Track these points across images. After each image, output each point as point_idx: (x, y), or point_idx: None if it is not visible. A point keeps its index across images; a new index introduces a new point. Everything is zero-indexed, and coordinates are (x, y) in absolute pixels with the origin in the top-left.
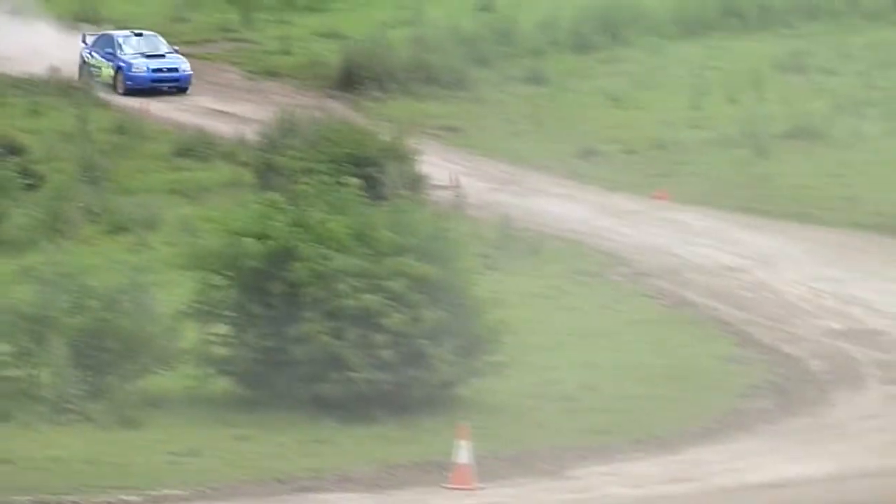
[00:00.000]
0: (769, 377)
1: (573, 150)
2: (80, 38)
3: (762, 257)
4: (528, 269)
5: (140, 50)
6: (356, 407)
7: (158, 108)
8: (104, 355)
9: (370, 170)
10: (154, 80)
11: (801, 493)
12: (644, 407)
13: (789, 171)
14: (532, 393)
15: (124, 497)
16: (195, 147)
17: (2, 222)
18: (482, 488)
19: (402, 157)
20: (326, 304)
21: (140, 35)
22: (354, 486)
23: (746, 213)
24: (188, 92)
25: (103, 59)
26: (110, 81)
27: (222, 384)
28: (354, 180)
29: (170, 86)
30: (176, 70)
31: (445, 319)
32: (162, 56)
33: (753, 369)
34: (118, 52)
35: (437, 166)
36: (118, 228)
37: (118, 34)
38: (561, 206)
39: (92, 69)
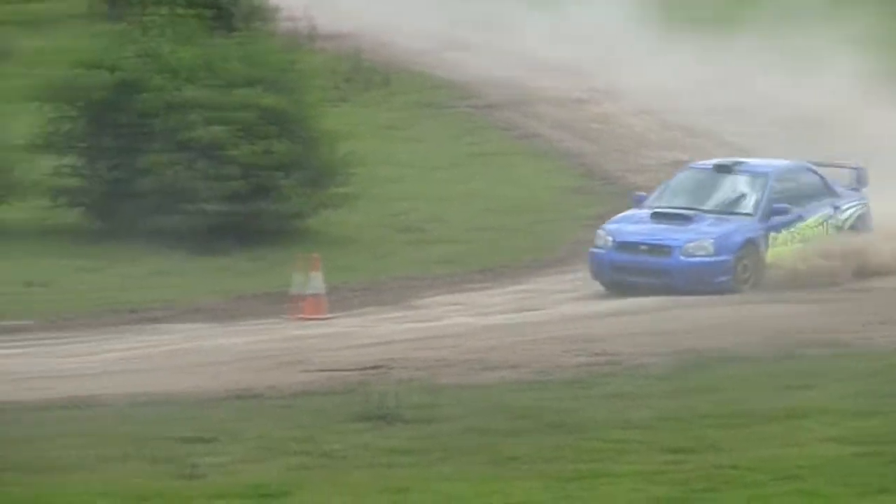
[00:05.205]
0: (615, 208)
1: None
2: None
3: (610, 89)
4: (379, 101)
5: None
6: (205, 239)
7: None
8: None
9: (221, 0)
10: (617, 268)
11: (634, 320)
12: (491, 238)
13: None
14: (381, 224)
15: None
16: None
17: None
18: (332, 318)
19: None
20: (176, 136)
21: (726, 169)
22: (204, 316)
23: None
24: None
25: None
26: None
27: (72, 215)
28: (204, 11)
29: (644, 280)
30: (665, 249)
31: (295, 151)
32: (683, 219)
33: (599, 200)
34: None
35: None
36: None
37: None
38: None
39: None
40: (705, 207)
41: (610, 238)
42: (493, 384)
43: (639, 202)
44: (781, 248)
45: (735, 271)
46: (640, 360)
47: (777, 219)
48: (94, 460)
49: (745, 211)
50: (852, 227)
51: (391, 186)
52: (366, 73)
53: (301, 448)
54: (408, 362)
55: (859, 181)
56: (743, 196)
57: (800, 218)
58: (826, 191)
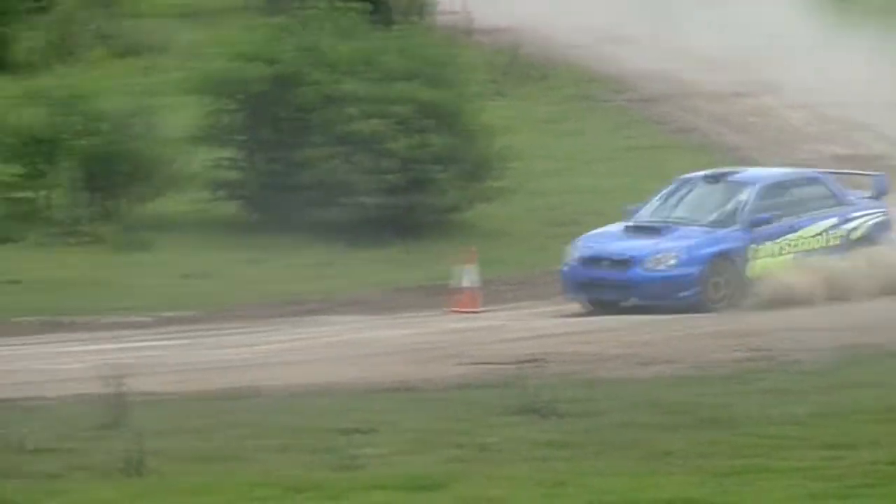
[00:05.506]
0: None
1: None
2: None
3: (768, 82)
4: (536, 95)
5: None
6: (363, 231)
7: None
8: (115, 178)
9: None
10: (583, 284)
11: (790, 315)
12: None
13: None
14: (536, 217)
15: (135, 318)
16: None
17: (10, 45)
18: (486, 311)
19: None
20: (335, 129)
21: (715, 179)
22: (362, 308)
23: None
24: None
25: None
26: None
27: (231, 208)
28: (363, 5)
29: (608, 297)
30: (627, 263)
31: (452, 145)
32: (653, 231)
33: None
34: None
35: None
36: (128, 51)
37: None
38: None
39: None
40: (689, 219)
41: (577, 253)
42: (648, 379)
43: (630, 215)
44: (766, 261)
45: (703, 285)
46: (796, 356)
47: (760, 229)
48: (252, 451)
49: (724, 222)
50: (863, 238)
51: (547, 180)
52: (523, 67)
53: (457, 440)
54: (562, 356)
55: (878, 190)
56: (727, 206)
57: (791, 228)
58: (832, 200)
